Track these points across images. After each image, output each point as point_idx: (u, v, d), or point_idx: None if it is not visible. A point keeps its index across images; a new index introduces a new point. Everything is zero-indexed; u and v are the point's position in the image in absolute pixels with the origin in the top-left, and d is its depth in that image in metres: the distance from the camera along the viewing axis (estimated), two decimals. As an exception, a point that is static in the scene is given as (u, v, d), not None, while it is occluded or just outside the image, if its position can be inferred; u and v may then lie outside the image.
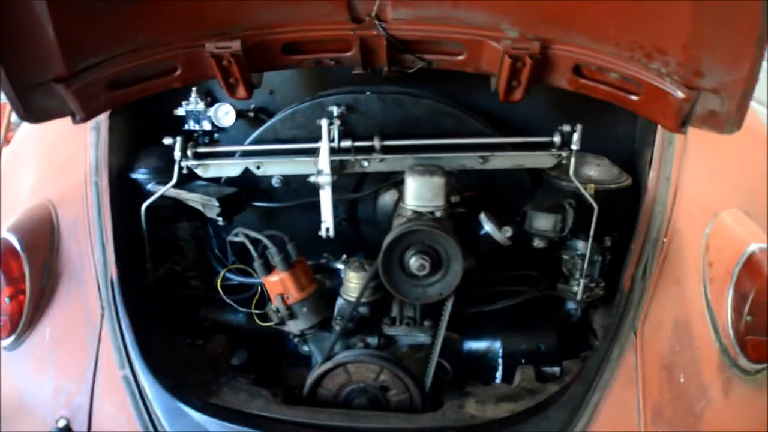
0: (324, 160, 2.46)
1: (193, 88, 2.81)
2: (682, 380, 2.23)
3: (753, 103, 2.19)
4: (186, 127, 2.84)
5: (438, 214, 2.40)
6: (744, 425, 2.23)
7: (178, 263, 2.86)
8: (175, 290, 2.85)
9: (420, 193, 2.39)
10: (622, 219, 2.63)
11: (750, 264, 2.24)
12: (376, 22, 2.34)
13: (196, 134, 2.85)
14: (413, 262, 2.33)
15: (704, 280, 2.31)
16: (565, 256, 2.68)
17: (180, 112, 2.84)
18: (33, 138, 3.04)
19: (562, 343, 2.68)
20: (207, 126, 2.84)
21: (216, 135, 2.89)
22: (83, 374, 2.40)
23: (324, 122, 2.51)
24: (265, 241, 2.43)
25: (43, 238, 2.56)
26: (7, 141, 3.22)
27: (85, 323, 2.46)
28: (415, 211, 2.41)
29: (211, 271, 2.90)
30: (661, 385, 2.24)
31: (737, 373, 2.23)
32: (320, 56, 2.50)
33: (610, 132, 2.88)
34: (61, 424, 2.35)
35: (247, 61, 2.41)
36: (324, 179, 2.46)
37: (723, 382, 2.23)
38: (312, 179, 2.50)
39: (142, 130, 2.88)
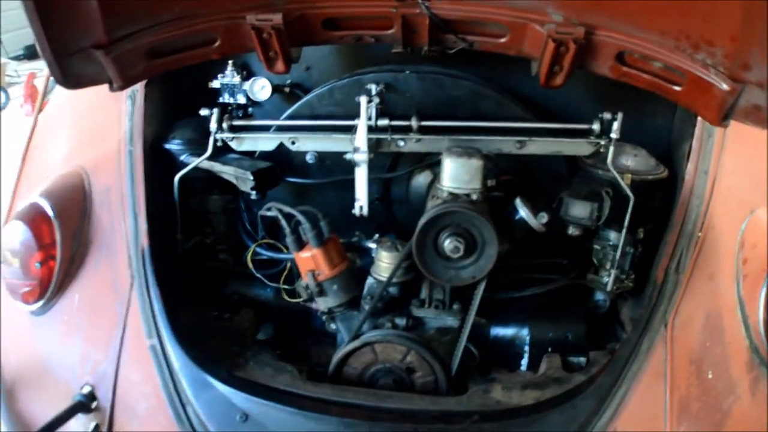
0: (361, 138, 2.42)
1: (230, 61, 2.76)
2: (710, 376, 2.18)
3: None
4: (220, 99, 2.79)
5: (474, 196, 2.36)
6: (770, 425, 2.20)
7: (207, 236, 2.83)
8: (203, 263, 2.82)
9: (457, 174, 2.35)
10: (657, 211, 2.57)
11: None
12: (420, 0, 2.29)
13: (230, 107, 2.79)
14: (447, 243, 2.29)
15: (738, 277, 2.24)
16: (597, 246, 2.63)
17: (215, 84, 2.79)
18: (68, 105, 3.00)
19: (590, 333, 2.63)
20: (242, 99, 2.78)
21: (250, 109, 2.83)
22: (110, 342, 2.39)
23: (363, 99, 2.46)
24: (299, 216, 2.40)
25: (75, 205, 2.54)
26: (41, 109, 3.19)
27: (115, 291, 2.45)
28: (451, 193, 2.37)
29: (240, 245, 2.88)
30: (689, 379, 2.19)
31: (766, 372, 2.14)
32: (361, 33, 2.44)
33: (648, 123, 2.82)
34: (86, 390, 2.35)
35: (287, 35, 2.36)
36: (360, 157, 2.42)
37: (751, 380, 2.15)
38: (348, 156, 2.46)
39: (176, 101, 2.85)
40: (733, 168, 2.45)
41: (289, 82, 2.87)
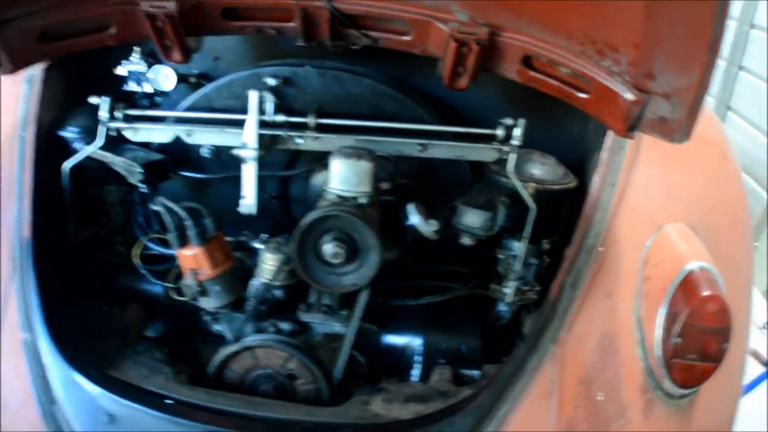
0: (250, 133, 2.23)
1: (136, 48, 2.56)
2: (600, 398, 2.00)
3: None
4: (126, 87, 2.59)
5: (362, 200, 2.18)
6: (663, 450, 2.00)
7: (103, 227, 2.64)
8: (99, 255, 2.62)
9: (345, 176, 2.17)
10: (565, 222, 2.37)
11: (686, 283, 1.98)
12: (321, -7, 2.11)
13: (137, 95, 2.61)
14: (328, 248, 2.11)
15: (638, 296, 2.06)
16: (501, 256, 2.44)
17: (121, 71, 2.59)
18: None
19: (486, 345, 2.44)
20: (148, 88, 2.58)
21: (158, 98, 2.64)
22: (-12, 333, 2.21)
23: (253, 94, 2.27)
24: (181, 212, 2.21)
25: (-40, 189, 2.36)
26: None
27: (-4, 281, 2.27)
28: (339, 196, 2.19)
29: (136, 238, 2.67)
30: (577, 400, 2.01)
31: (660, 396, 2.00)
32: (261, 24, 2.25)
33: (564, 130, 2.63)
34: (-34, 383, 2.19)
35: (183, 24, 2.16)
36: (248, 153, 2.23)
37: (644, 403, 2.00)
38: (235, 152, 2.27)
39: (81, 87, 2.60)
40: (645, 182, 2.25)
41: (196, 72, 2.67)
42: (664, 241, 2.12)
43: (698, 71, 1.71)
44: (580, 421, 1.98)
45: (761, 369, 3.96)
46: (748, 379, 3.63)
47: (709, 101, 6.98)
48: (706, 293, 1.93)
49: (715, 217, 2.26)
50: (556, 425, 1.98)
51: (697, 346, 1.94)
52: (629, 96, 1.89)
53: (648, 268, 2.08)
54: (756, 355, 4.14)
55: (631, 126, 1.95)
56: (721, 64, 6.85)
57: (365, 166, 2.16)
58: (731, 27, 6.64)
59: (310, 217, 2.10)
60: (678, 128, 1.85)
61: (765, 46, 6.19)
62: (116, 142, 2.47)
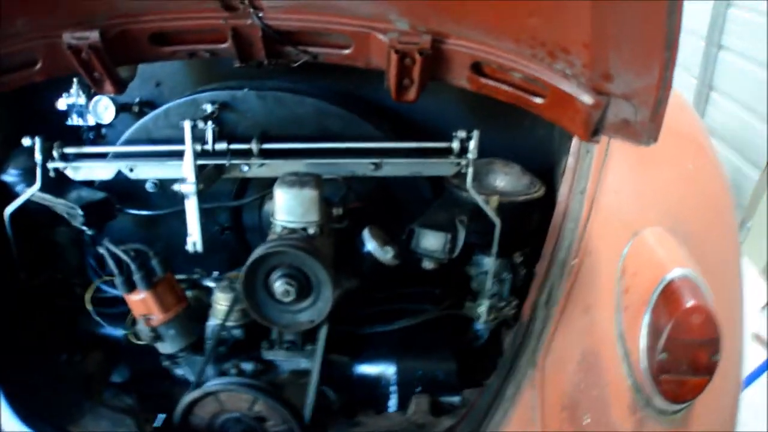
0: (188, 167, 2.07)
1: (74, 79, 2.40)
2: (587, 421, 1.84)
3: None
4: (69, 122, 2.44)
5: (311, 230, 2.04)
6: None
7: (59, 271, 2.50)
8: (56, 300, 2.49)
9: (290, 207, 2.02)
10: (535, 233, 2.21)
11: (668, 293, 1.78)
12: (251, 10, 1.94)
13: (82, 129, 2.47)
14: (278, 286, 1.96)
15: (618, 308, 1.87)
16: (472, 273, 2.29)
17: (61, 105, 2.44)
18: None
19: (465, 369, 2.29)
20: (91, 121, 2.43)
21: (104, 130, 2.50)
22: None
23: (187, 123, 2.11)
24: (123, 256, 2.07)
25: None
26: None
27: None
28: (285, 228, 2.04)
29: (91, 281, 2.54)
30: (562, 426, 1.86)
31: (652, 414, 1.81)
32: (194, 48, 2.10)
33: (529, 135, 2.45)
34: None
35: (109, 54, 2.02)
36: (187, 188, 2.07)
37: (635, 423, 1.82)
38: (175, 188, 2.12)
39: (20, 125, 2.46)
40: (615, 186, 2.07)
41: (137, 100, 2.52)
42: (642, 249, 1.93)
43: (657, 70, 1.57)
44: (567, 449, 1.84)
45: (763, 353, 3.80)
46: (751, 365, 3.47)
47: (691, 83, 6.94)
48: (689, 304, 1.74)
49: (696, 217, 2.07)
50: (541, 456, 1.84)
51: (685, 360, 1.75)
52: (587, 99, 1.74)
53: (626, 278, 1.89)
54: (758, 338, 3.99)
55: (593, 131, 1.80)
56: (700, 45, 6.80)
57: (309, 194, 2.01)
58: (708, 7, 6.60)
59: (255, 254, 1.96)
60: (643, 130, 1.70)
61: (744, 25, 6.11)
62: (60, 182, 2.32)
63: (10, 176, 2.38)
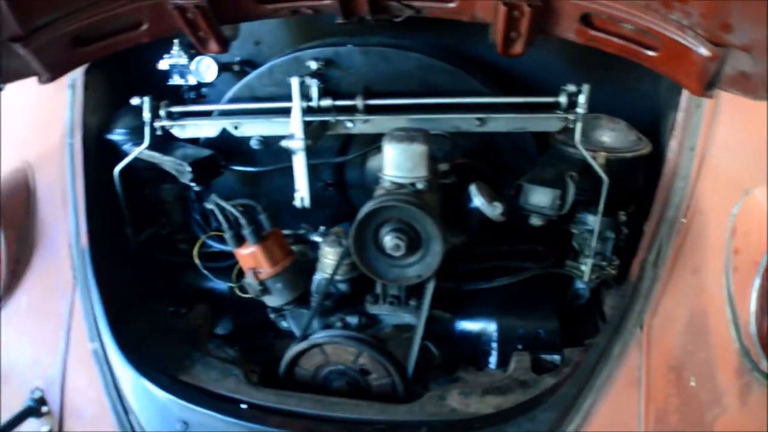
0: (296, 123, 2.11)
1: (175, 40, 2.46)
2: (693, 384, 1.83)
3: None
4: (171, 81, 2.50)
5: (419, 185, 2.05)
6: (764, 437, 1.82)
7: (163, 227, 2.60)
8: (161, 255, 2.60)
9: (399, 162, 2.04)
10: (641, 191, 2.19)
11: None
12: (356, -35, 1.96)
13: (182, 89, 2.52)
14: (388, 240, 2.00)
15: (727, 270, 1.85)
16: (575, 231, 2.27)
17: (163, 65, 2.49)
18: (17, 96, 2.77)
19: (565, 328, 2.29)
20: (192, 80, 2.48)
21: (204, 90, 2.55)
22: (57, 345, 2.23)
23: (294, 80, 2.14)
24: (234, 211, 2.14)
25: (20, 203, 2.34)
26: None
27: (60, 293, 2.27)
28: (394, 183, 2.07)
29: (197, 236, 2.61)
30: (667, 388, 1.86)
31: (758, 378, 1.77)
32: (297, 5, 2.11)
33: (633, 89, 2.41)
34: (36, 395, 2.21)
35: (214, 13, 2.06)
36: (296, 144, 2.11)
37: (741, 387, 1.80)
38: (284, 144, 2.16)
39: (125, 87, 2.55)
40: (726, 142, 2.02)
41: (238, 59, 2.57)
42: (753, 207, 1.89)
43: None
44: (672, 411, 1.83)
45: None
46: None
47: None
48: (804, 262, 1.73)
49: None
50: (646, 416, 1.84)
51: (797, 322, 1.74)
52: (704, 51, 1.70)
53: (737, 238, 1.87)
54: None
55: (708, 84, 1.77)
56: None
57: (419, 149, 2.02)
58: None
59: (366, 209, 2.00)
60: (761, 83, 1.66)
61: None
62: (166, 140, 2.41)
63: (117, 135, 2.47)
